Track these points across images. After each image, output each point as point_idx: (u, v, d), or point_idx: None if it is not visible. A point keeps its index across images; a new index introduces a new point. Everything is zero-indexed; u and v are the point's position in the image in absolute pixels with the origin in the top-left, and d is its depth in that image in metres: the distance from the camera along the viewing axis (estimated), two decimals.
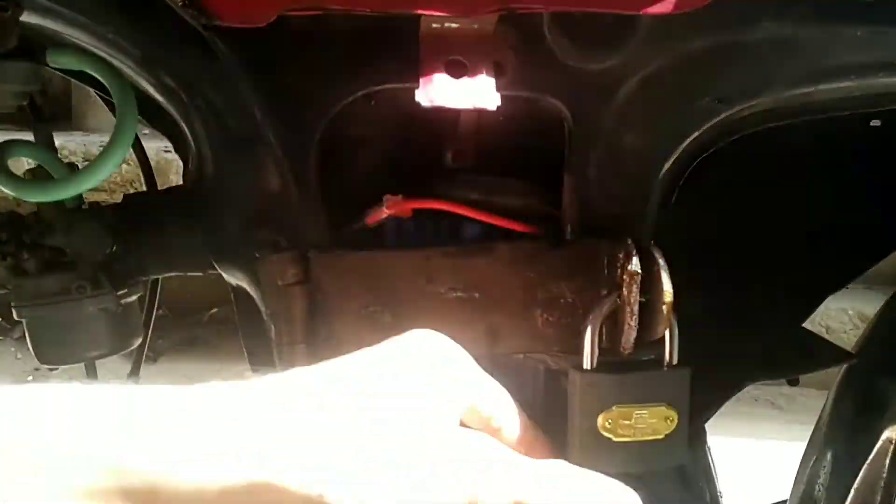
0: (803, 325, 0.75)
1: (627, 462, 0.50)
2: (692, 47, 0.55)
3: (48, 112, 0.64)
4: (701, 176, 0.62)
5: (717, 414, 0.64)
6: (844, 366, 0.72)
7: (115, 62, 0.59)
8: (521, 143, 0.63)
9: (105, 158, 0.55)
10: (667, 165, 0.58)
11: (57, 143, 0.67)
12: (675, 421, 0.51)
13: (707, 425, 0.67)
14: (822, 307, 0.74)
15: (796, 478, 0.71)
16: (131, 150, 0.68)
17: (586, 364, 0.52)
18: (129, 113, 0.55)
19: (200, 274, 0.64)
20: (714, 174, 0.64)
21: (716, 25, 0.54)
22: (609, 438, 0.50)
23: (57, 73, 0.62)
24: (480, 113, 0.56)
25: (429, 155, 0.63)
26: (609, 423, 0.50)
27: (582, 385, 0.51)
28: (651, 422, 0.50)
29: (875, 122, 0.75)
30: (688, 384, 0.52)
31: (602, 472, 0.46)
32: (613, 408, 0.50)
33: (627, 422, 0.50)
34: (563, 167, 0.58)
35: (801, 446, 0.76)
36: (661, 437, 0.51)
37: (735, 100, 0.56)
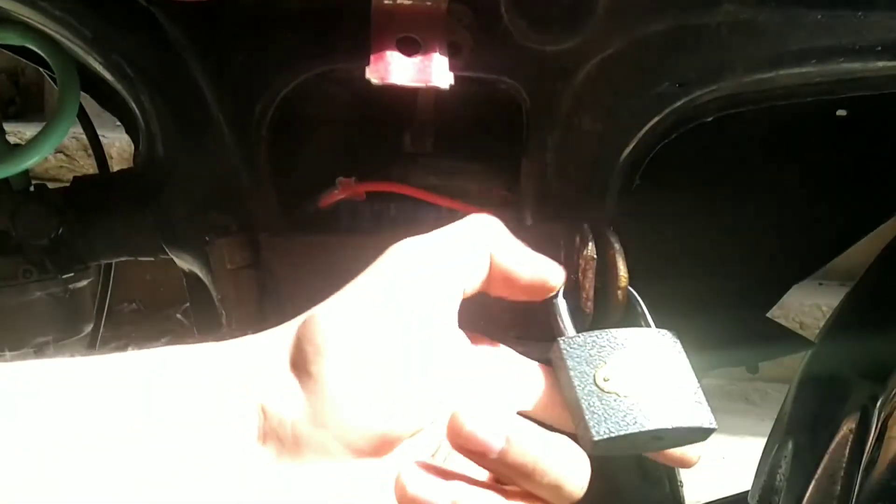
0: (775, 319, 0.75)
1: (647, 417, 0.42)
2: (651, 30, 0.54)
3: (21, 103, 0.62)
4: (663, 163, 0.62)
5: None
6: (806, 356, 0.71)
7: (65, 41, 0.58)
8: (481, 126, 0.62)
9: (46, 135, 0.54)
10: (626, 151, 0.58)
11: (28, 133, 0.65)
12: (681, 375, 0.45)
13: None
14: (795, 303, 0.73)
15: (758, 468, 0.71)
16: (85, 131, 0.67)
17: (568, 332, 0.48)
18: (70, 89, 0.54)
19: (153, 259, 0.62)
20: (677, 161, 0.64)
21: (675, 8, 0.54)
22: (614, 392, 0.43)
23: (30, 65, 0.61)
24: (438, 95, 0.55)
25: (387, 138, 0.62)
26: (608, 380, 0.44)
27: (567, 348, 0.45)
28: (655, 373, 0.44)
29: (841, 112, 0.75)
30: (679, 344, 0.47)
31: (621, 433, 0.41)
32: (608, 362, 0.44)
33: (629, 373, 0.44)
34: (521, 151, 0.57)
35: None
36: (673, 389, 0.44)
37: (695, 84, 0.56)
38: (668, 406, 0.43)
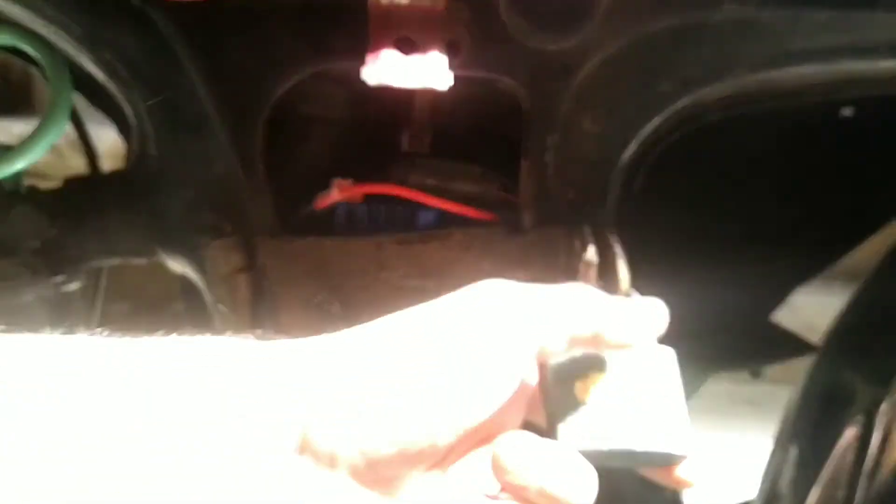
0: (779, 322, 0.74)
1: (616, 436, 0.41)
2: (653, 29, 0.54)
3: (9, 99, 0.61)
4: (665, 163, 0.61)
5: (692, 411, 0.62)
6: (810, 362, 0.71)
7: (55, 38, 0.57)
8: (480, 127, 0.61)
9: (38, 137, 0.53)
10: (628, 151, 0.57)
11: (18, 130, 0.64)
12: (667, 396, 0.43)
13: None
14: (802, 304, 0.73)
15: (762, 474, 0.70)
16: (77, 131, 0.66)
17: None
18: (63, 90, 0.53)
19: (145, 262, 0.61)
20: (679, 162, 0.63)
21: (677, 7, 0.53)
22: (590, 407, 0.42)
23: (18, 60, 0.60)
24: (436, 95, 0.54)
25: (384, 139, 0.61)
26: (587, 392, 0.42)
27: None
28: (639, 392, 0.43)
29: (846, 112, 0.74)
30: (674, 362, 0.45)
31: (593, 448, 0.40)
32: (592, 374, 0.43)
33: (612, 389, 0.42)
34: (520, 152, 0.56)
35: None
36: (653, 410, 0.43)
37: (696, 83, 0.55)
38: (641, 427, 0.42)
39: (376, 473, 0.36)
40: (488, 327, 0.38)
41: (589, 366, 0.43)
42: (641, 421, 0.42)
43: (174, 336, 0.36)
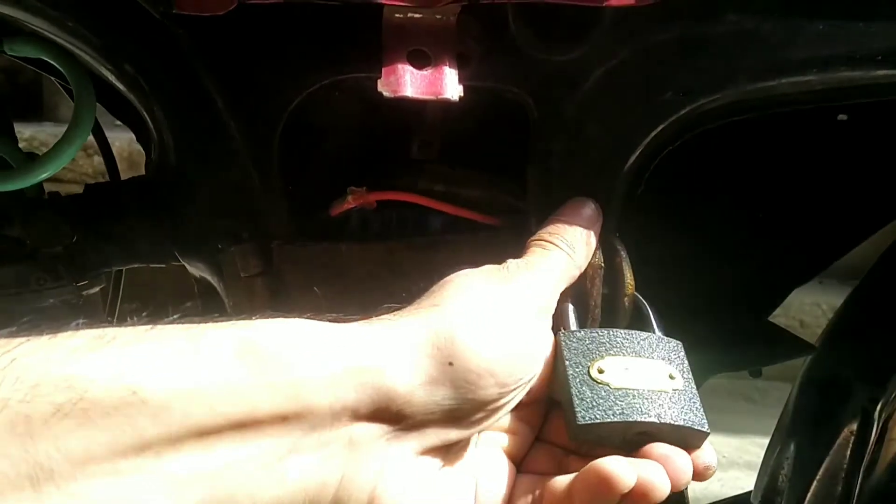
0: (774, 319, 0.75)
1: (630, 408, 0.43)
2: (656, 40, 0.55)
3: (18, 102, 0.62)
4: (665, 167, 0.62)
5: None
6: (808, 359, 0.72)
7: (76, 50, 0.58)
8: (487, 134, 0.63)
9: (63, 147, 0.54)
10: (632, 158, 0.58)
11: (27, 133, 0.66)
12: (680, 380, 0.45)
13: None
14: (795, 301, 0.74)
15: (760, 469, 0.72)
16: (95, 139, 0.67)
17: (571, 327, 0.49)
18: (86, 101, 0.54)
19: (164, 266, 0.63)
20: (680, 167, 0.65)
21: (680, 18, 0.54)
22: (607, 383, 0.44)
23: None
24: (446, 104, 0.56)
25: (395, 146, 0.63)
26: (603, 369, 0.45)
27: (567, 340, 0.46)
28: (650, 374, 0.45)
29: (842, 117, 0.76)
30: (683, 354, 0.48)
31: (606, 419, 0.43)
32: (605, 356, 0.46)
33: (624, 370, 0.45)
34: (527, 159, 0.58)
35: None
36: (666, 390, 0.45)
37: (699, 93, 0.57)
38: (658, 403, 0.44)
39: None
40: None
41: (601, 350, 0.46)
42: (657, 398, 0.44)
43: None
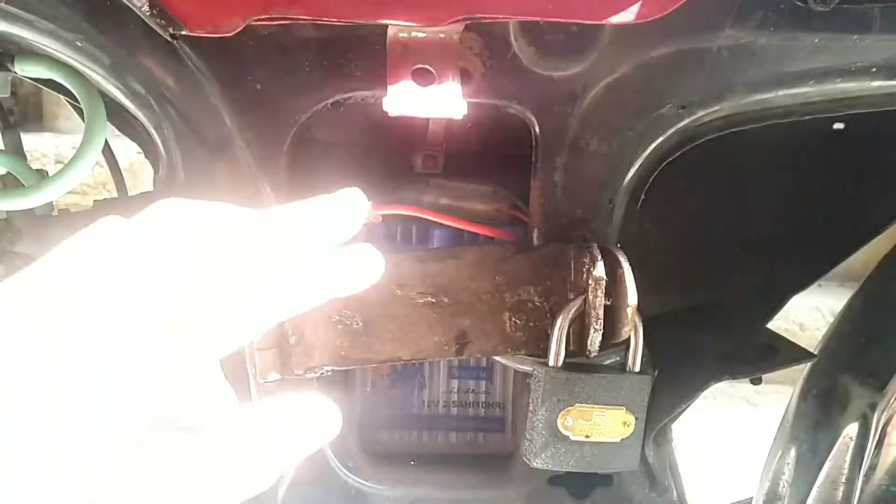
0: (773, 321, 0.76)
1: (581, 461, 0.53)
2: (655, 55, 0.56)
3: (19, 113, 0.63)
4: (666, 180, 0.63)
5: (692, 412, 0.65)
6: (808, 365, 0.73)
7: (85, 69, 0.59)
8: (490, 148, 0.64)
9: (74, 165, 0.55)
10: (632, 171, 0.59)
11: (28, 144, 0.66)
12: (632, 426, 0.53)
13: (681, 424, 0.68)
14: (795, 304, 0.75)
15: (762, 474, 0.73)
16: (102, 154, 0.68)
17: (552, 361, 0.54)
18: (97, 120, 0.55)
19: None
20: (679, 178, 0.66)
21: (678, 33, 0.55)
22: (566, 436, 0.52)
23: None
24: (449, 119, 0.57)
25: (399, 160, 0.64)
26: (568, 421, 0.53)
27: (546, 380, 0.53)
28: (609, 424, 0.53)
29: (838, 125, 0.77)
30: (647, 391, 0.54)
31: (557, 468, 0.53)
32: (575, 406, 0.52)
33: (586, 422, 0.53)
34: (530, 172, 0.59)
35: None
36: (616, 440, 0.53)
37: (697, 106, 0.58)
38: (603, 454, 0.54)
39: None
40: None
41: (573, 398, 0.54)
42: (603, 449, 0.54)
43: None
